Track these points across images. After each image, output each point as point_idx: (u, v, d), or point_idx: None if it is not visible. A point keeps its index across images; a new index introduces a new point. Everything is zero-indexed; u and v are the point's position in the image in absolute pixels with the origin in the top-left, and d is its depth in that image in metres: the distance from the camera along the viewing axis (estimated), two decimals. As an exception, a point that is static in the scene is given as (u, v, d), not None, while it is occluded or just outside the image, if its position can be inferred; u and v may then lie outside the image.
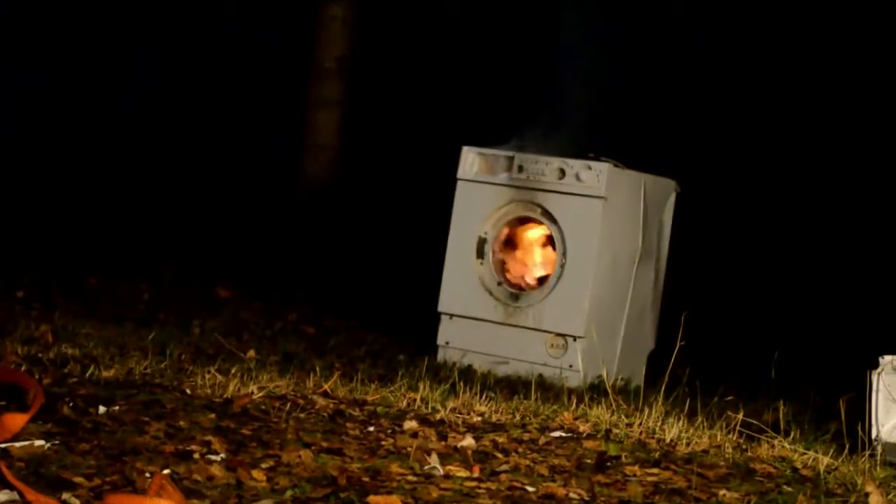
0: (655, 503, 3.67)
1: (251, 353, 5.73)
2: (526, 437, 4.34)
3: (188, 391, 4.51)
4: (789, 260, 9.32)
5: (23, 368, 4.59)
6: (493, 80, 10.75)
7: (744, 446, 4.46)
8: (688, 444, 4.41)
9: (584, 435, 4.46)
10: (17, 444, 3.50)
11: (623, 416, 4.71)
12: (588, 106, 6.61)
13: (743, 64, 10.25)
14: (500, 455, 4.04)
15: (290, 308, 7.67)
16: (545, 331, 6.27)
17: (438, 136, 9.33)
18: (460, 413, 4.62)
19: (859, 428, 4.91)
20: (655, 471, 4.00)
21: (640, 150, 6.66)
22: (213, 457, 3.62)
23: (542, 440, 4.31)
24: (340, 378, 4.94)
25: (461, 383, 5.20)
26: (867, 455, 4.48)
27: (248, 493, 3.32)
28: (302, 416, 4.32)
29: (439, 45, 11.66)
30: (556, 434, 4.44)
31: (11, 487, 3.07)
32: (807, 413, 5.49)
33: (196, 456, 3.60)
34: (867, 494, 3.85)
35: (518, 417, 4.66)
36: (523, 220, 6.49)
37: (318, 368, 5.21)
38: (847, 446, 4.54)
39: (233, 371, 4.83)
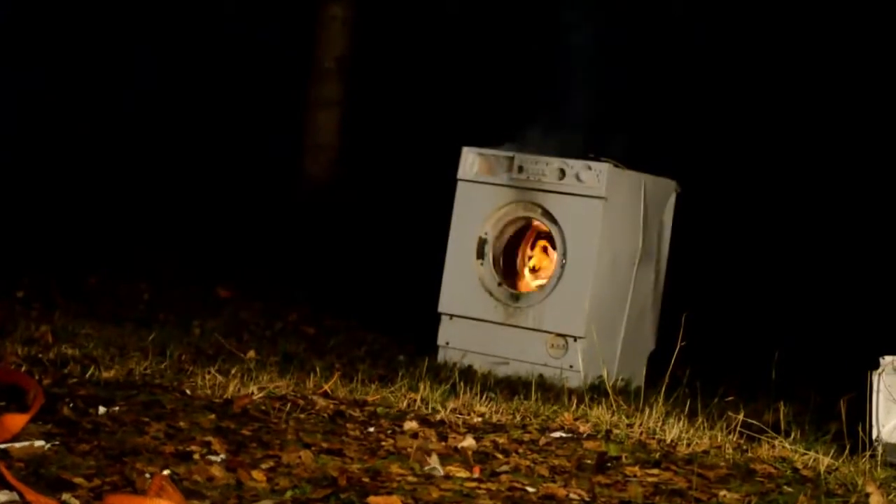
0: (656, 504, 3.67)
1: (251, 353, 5.73)
2: (526, 437, 4.34)
3: (188, 392, 4.50)
4: (789, 260, 9.31)
5: (23, 369, 4.58)
6: (492, 81, 10.75)
7: (744, 447, 4.46)
8: (688, 445, 4.41)
9: (585, 435, 4.45)
10: (17, 445, 3.50)
11: (623, 417, 4.71)
12: (588, 106, 6.61)
13: (743, 64, 10.25)
14: (500, 455, 4.04)
15: (290, 308, 7.67)
16: (545, 331, 6.27)
17: (438, 136, 9.33)
18: (460, 414, 4.62)
19: (860, 428, 4.91)
20: (656, 471, 3.99)
21: (640, 150, 6.65)
22: (213, 457, 3.62)
23: (543, 441, 4.31)
24: (340, 378, 4.93)
25: (461, 384, 5.19)
26: (868, 455, 4.48)
27: (248, 493, 3.32)
28: (302, 416, 4.31)
29: (439, 46, 11.66)
30: (557, 435, 4.43)
31: (11, 488, 3.07)
32: (807, 413, 5.49)
33: (196, 456, 3.60)
34: (868, 495, 3.85)
35: (518, 418, 4.66)
36: (524, 228, 6.49)
37: (318, 369, 5.21)
38: (847, 447, 4.54)
39: (233, 371, 4.82)
